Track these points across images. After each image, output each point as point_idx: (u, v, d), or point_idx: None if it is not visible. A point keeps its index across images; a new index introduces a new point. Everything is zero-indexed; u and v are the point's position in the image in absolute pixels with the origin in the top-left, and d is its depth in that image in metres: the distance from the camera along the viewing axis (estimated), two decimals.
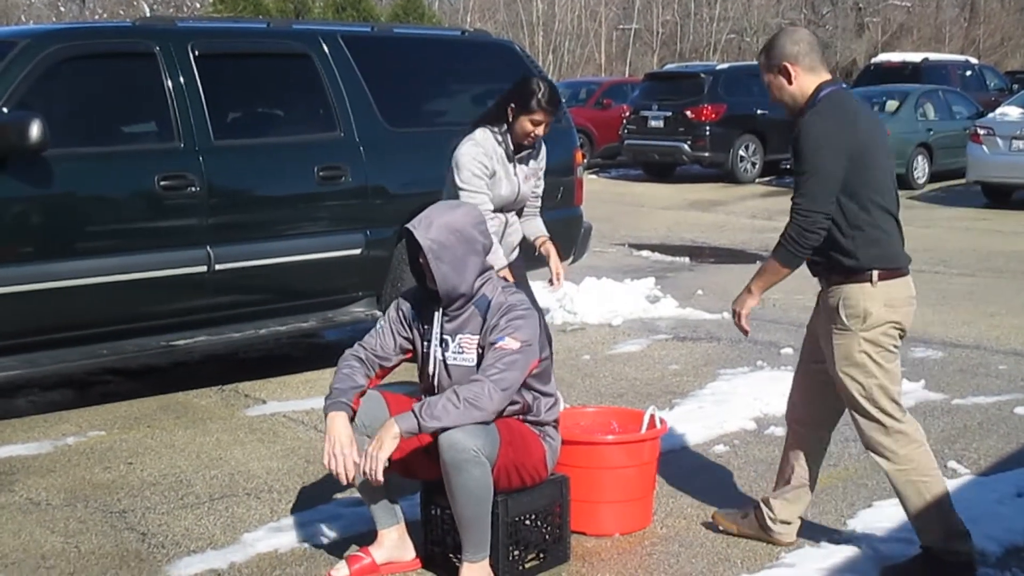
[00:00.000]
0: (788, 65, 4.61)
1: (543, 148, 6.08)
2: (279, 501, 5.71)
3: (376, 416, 4.62)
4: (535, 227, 6.17)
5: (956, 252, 13.94)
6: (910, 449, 4.65)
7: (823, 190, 4.42)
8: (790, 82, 4.63)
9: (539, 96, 5.63)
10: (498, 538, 4.60)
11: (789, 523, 5.06)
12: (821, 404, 4.93)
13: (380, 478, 4.28)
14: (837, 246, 4.53)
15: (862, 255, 4.52)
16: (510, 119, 5.71)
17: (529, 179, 5.98)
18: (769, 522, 5.06)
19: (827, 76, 4.66)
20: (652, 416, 5.31)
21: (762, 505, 5.12)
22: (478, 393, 4.36)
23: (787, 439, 5.10)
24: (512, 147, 5.78)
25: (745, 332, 4.82)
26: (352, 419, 4.62)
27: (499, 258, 5.54)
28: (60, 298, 6.77)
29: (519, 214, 6.06)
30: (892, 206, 4.60)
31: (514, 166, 5.83)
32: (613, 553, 5.00)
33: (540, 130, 5.74)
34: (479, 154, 5.67)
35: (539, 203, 6.21)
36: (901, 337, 4.66)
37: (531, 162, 5.97)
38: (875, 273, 4.52)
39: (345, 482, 4.56)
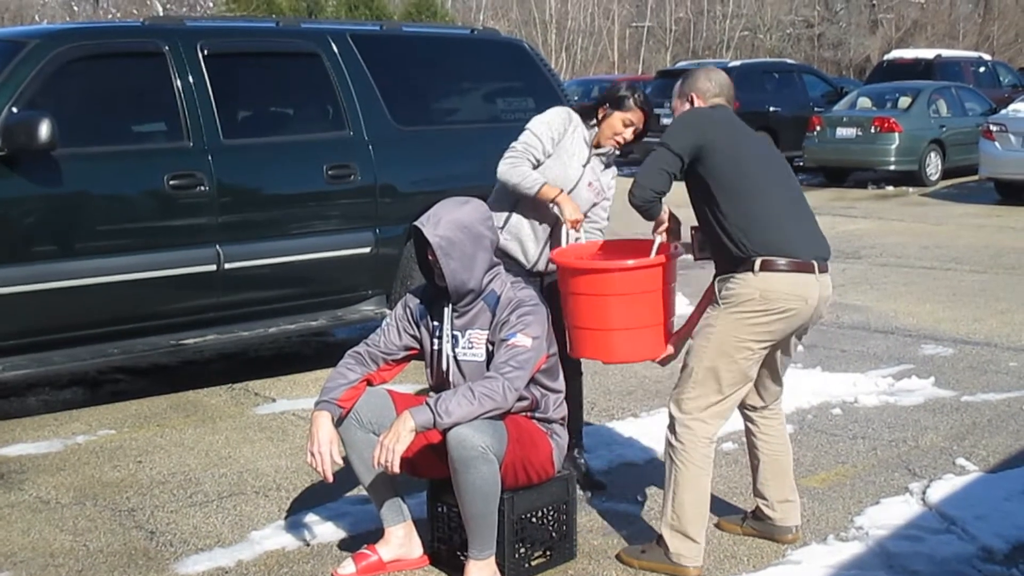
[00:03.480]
0: (695, 96, 4.89)
1: (612, 183, 5.78)
2: (287, 499, 5.72)
3: (381, 412, 4.65)
4: None
5: (968, 249, 13.91)
6: (685, 432, 4.70)
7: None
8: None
9: (635, 96, 5.52)
10: (504, 535, 4.60)
11: (788, 501, 5.07)
12: (759, 389, 4.99)
13: (397, 469, 4.30)
14: (724, 240, 4.69)
15: (741, 244, 4.61)
16: (600, 117, 5.57)
17: (590, 194, 5.59)
18: (768, 510, 5.07)
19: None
20: (661, 243, 5.00)
21: (756, 500, 5.14)
22: (493, 389, 4.37)
23: (745, 429, 5.18)
24: (594, 139, 5.58)
25: None
26: (340, 417, 4.66)
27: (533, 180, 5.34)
28: (70, 297, 6.79)
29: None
30: (781, 195, 4.70)
31: (586, 163, 5.56)
32: (620, 550, 4.98)
33: (630, 133, 5.55)
34: (557, 120, 5.50)
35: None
36: (779, 337, 4.71)
37: (601, 177, 5.66)
38: (757, 262, 4.58)
39: (329, 480, 4.62)
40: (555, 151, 5.47)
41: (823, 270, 4.68)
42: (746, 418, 5.12)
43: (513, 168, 5.34)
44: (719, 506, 5.52)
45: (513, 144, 5.44)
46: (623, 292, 4.86)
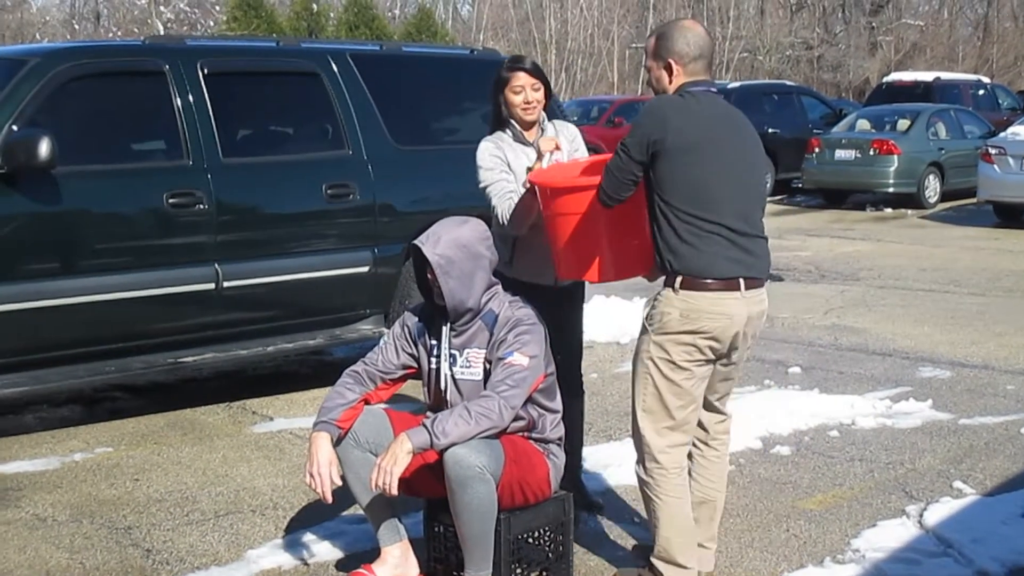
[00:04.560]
0: (673, 63, 4.58)
1: (574, 131, 5.65)
2: (284, 518, 5.72)
3: (379, 432, 4.64)
4: None
5: (967, 272, 13.93)
6: (654, 466, 4.60)
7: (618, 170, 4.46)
8: (670, 80, 4.60)
9: (505, 65, 5.38)
10: (500, 555, 4.60)
11: (704, 548, 4.89)
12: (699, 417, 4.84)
13: (395, 491, 4.31)
14: (656, 245, 4.54)
15: (665, 258, 4.48)
16: (500, 107, 5.40)
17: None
18: None
19: (705, 79, 4.62)
20: None
21: None
22: (489, 408, 4.38)
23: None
24: (520, 130, 5.38)
25: None
26: (338, 438, 4.65)
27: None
28: (68, 315, 6.80)
29: None
30: (719, 220, 4.44)
31: (537, 158, 5.31)
32: (615, 572, 4.98)
33: (530, 95, 5.29)
34: (486, 148, 5.35)
35: None
36: (713, 355, 4.55)
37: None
38: (678, 280, 4.46)
39: (328, 500, 4.62)
40: (513, 169, 5.32)
41: (751, 286, 4.53)
42: (688, 453, 4.90)
43: (510, 211, 5.17)
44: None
45: (493, 206, 5.24)
46: (603, 208, 4.62)
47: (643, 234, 4.67)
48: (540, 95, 5.34)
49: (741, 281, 4.49)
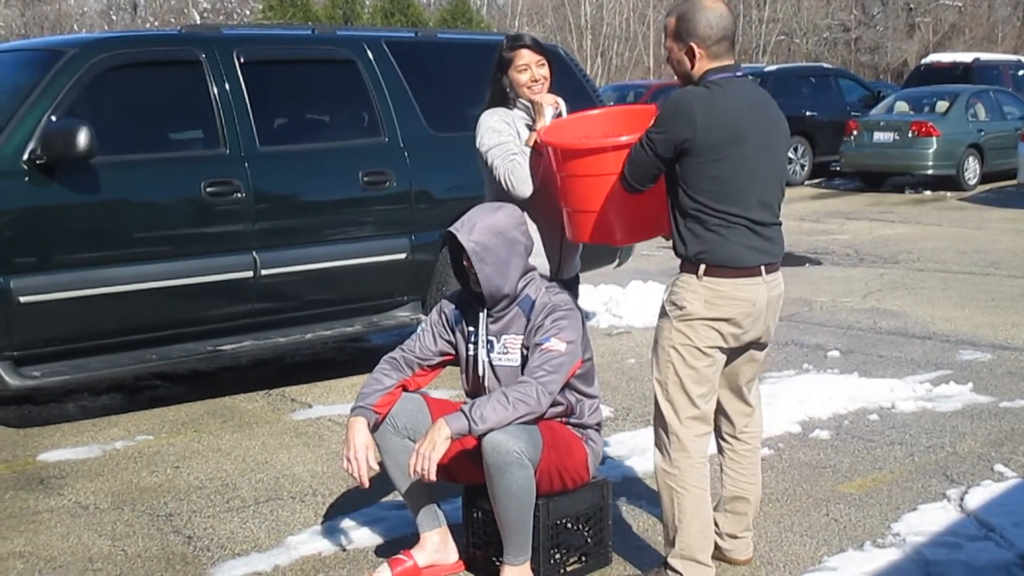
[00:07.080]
0: (696, 47, 4.43)
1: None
2: (323, 504, 5.74)
3: (417, 418, 4.65)
4: None
5: (1007, 254, 13.81)
6: (680, 456, 4.50)
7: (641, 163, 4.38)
8: (692, 65, 4.47)
9: (506, 45, 5.17)
10: (539, 541, 4.60)
11: (737, 538, 4.89)
12: (725, 409, 4.80)
13: (433, 477, 4.31)
14: (674, 230, 4.46)
15: (690, 247, 4.41)
16: (506, 87, 5.18)
17: None
18: (717, 539, 4.83)
19: (729, 62, 4.48)
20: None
21: None
22: (527, 394, 4.37)
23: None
24: (530, 107, 5.17)
25: None
26: (375, 423, 4.66)
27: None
28: (108, 304, 6.84)
29: None
30: (744, 213, 4.38)
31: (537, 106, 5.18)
32: (655, 557, 4.97)
33: (535, 71, 5.09)
34: (496, 113, 5.17)
35: None
36: (734, 342, 4.50)
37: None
38: (701, 267, 4.39)
39: (365, 485, 4.63)
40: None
41: (771, 270, 4.49)
42: (719, 447, 4.90)
43: (512, 172, 5.00)
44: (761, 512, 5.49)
45: (495, 167, 5.05)
46: (618, 168, 4.47)
47: (660, 195, 4.53)
48: (546, 71, 5.14)
49: (762, 267, 4.46)
